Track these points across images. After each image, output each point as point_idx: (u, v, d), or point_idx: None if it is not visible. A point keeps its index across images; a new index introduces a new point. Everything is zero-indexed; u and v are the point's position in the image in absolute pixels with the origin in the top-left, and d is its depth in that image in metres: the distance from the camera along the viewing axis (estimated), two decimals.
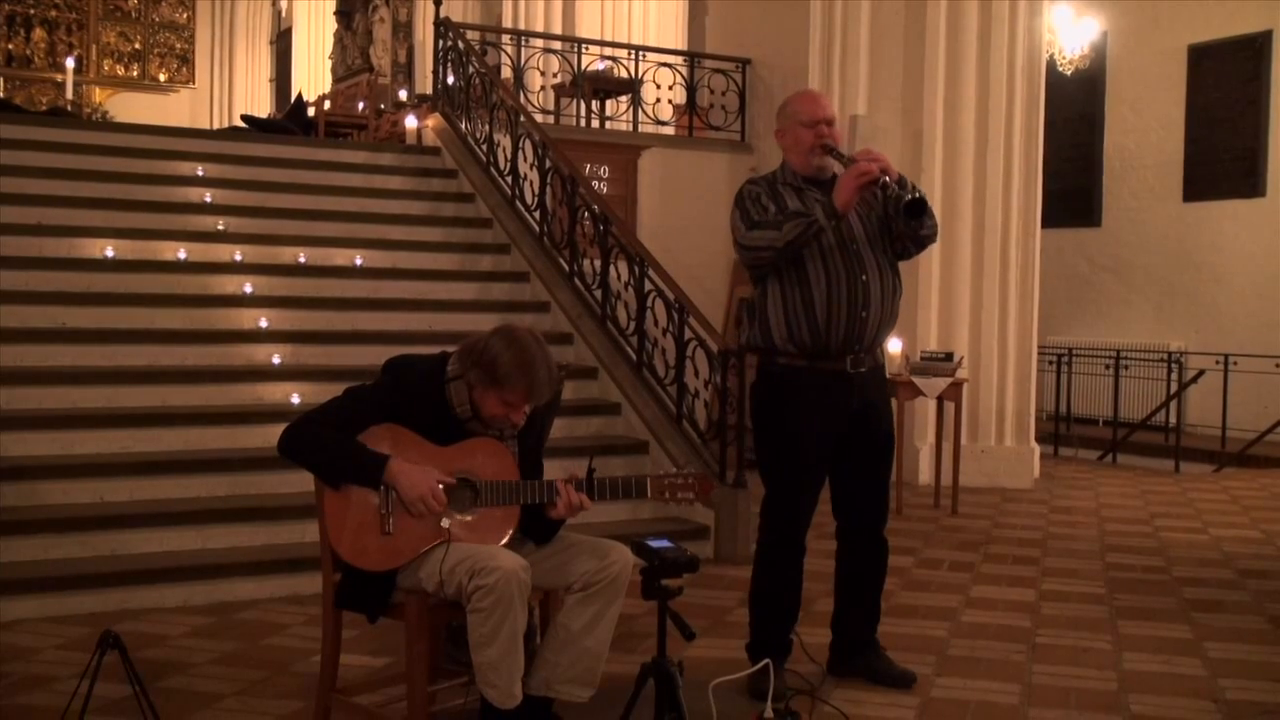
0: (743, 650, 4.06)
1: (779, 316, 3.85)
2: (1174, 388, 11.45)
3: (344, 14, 16.91)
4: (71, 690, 3.34)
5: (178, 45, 20.17)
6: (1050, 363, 11.83)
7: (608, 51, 10.81)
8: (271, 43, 21.51)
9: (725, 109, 10.45)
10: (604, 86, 10.64)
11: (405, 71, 15.49)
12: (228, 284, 7.14)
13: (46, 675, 4.01)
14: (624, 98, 10.64)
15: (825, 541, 4.22)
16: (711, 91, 10.59)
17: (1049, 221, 9.44)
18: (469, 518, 3.25)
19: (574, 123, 10.56)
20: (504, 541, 3.26)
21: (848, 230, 3.85)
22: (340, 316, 7.10)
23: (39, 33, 18.97)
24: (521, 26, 11.72)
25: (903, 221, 3.81)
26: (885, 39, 8.65)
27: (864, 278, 3.82)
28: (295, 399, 6.15)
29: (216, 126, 18.63)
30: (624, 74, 10.63)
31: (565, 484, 3.27)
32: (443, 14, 9.97)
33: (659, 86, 10.53)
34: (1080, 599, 5.33)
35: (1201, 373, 11.14)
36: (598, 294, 7.37)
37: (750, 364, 5.13)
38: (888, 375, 7.27)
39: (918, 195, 3.72)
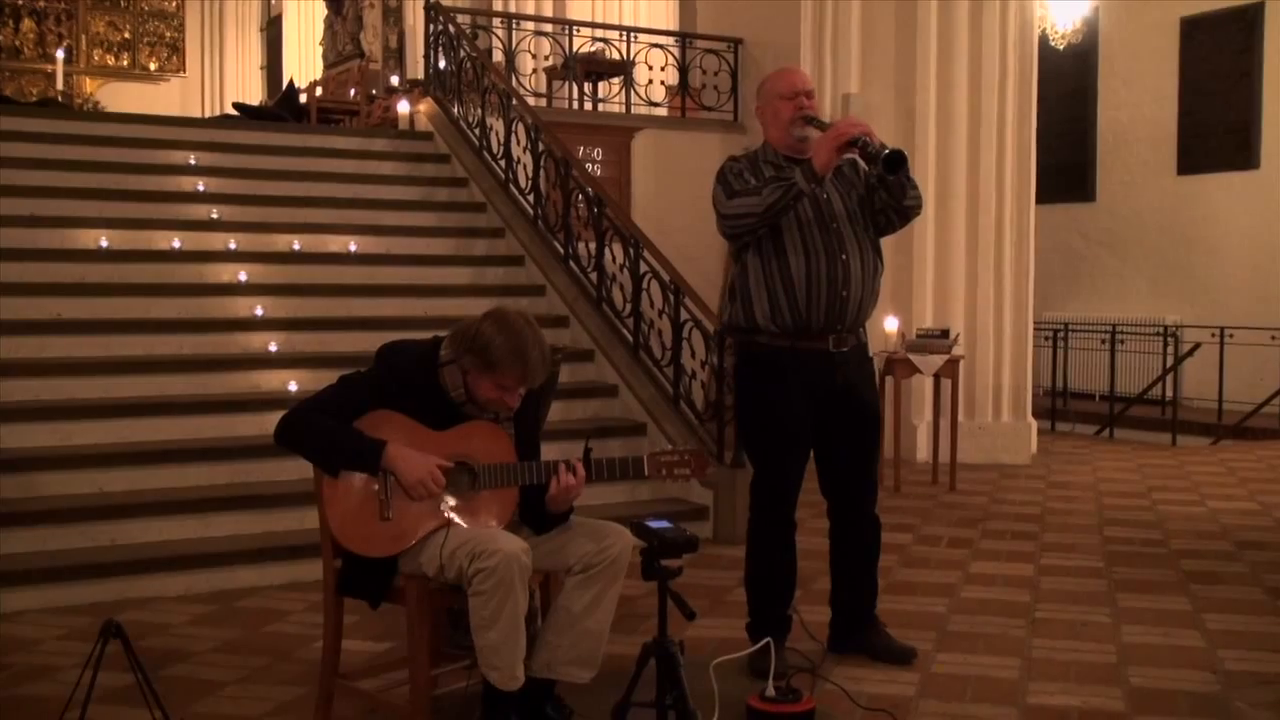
0: (743, 629, 4.08)
1: (760, 296, 3.85)
2: (1170, 361, 11.48)
3: (334, 0, 16.84)
4: (74, 680, 3.34)
5: (167, 34, 20.06)
6: (1046, 338, 11.86)
7: (599, 33, 10.76)
8: (262, 30, 21.40)
9: (718, 89, 10.41)
10: (596, 69, 10.60)
11: (396, 57, 15.41)
12: (222, 272, 7.13)
13: (49, 665, 4.02)
14: (616, 80, 10.60)
15: (823, 520, 4.23)
16: (704, 72, 10.55)
17: (1043, 197, 9.44)
18: (468, 501, 3.26)
19: (566, 105, 10.52)
20: (503, 524, 3.27)
21: (828, 209, 3.85)
22: (335, 303, 7.10)
23: (27, 23, 18.86)
24: (512, 10, 11.68)
25: (880, 181, 3.79)
26: (877, 17, 8.63)
27: (844, 256, 3.81)
28: (292, 386, 6.14)
29: (208, 115, 18.57)
30: (616, 56, 10.59)
31: (563, 464, 3.27)
32: None
33: (651, 68, 10.49)
34: (1079, 573, 5.35)
35: (1197, 346, 11.16)
36: (593, 276, 7.36)
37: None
38: (885, 353, 7.33)
39: (898, 148, 3.70)
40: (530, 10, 11.83)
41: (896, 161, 3.65)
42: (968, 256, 8.53)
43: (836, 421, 3.94)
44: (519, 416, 3.39)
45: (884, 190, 3.85)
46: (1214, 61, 11.96)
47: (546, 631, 3.31)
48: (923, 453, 8.18)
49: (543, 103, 10.35)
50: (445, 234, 8.24)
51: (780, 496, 3.97)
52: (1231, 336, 10.89)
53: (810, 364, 3.85)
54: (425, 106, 9.80)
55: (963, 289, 8.53)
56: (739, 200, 3.79)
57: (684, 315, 6.48)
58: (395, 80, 13.77)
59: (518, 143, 8.34)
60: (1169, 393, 11.35)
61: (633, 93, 10.36)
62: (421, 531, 3.21)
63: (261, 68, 21.22)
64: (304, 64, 18.10)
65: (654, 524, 3.00)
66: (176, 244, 7.29)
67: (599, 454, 3.32)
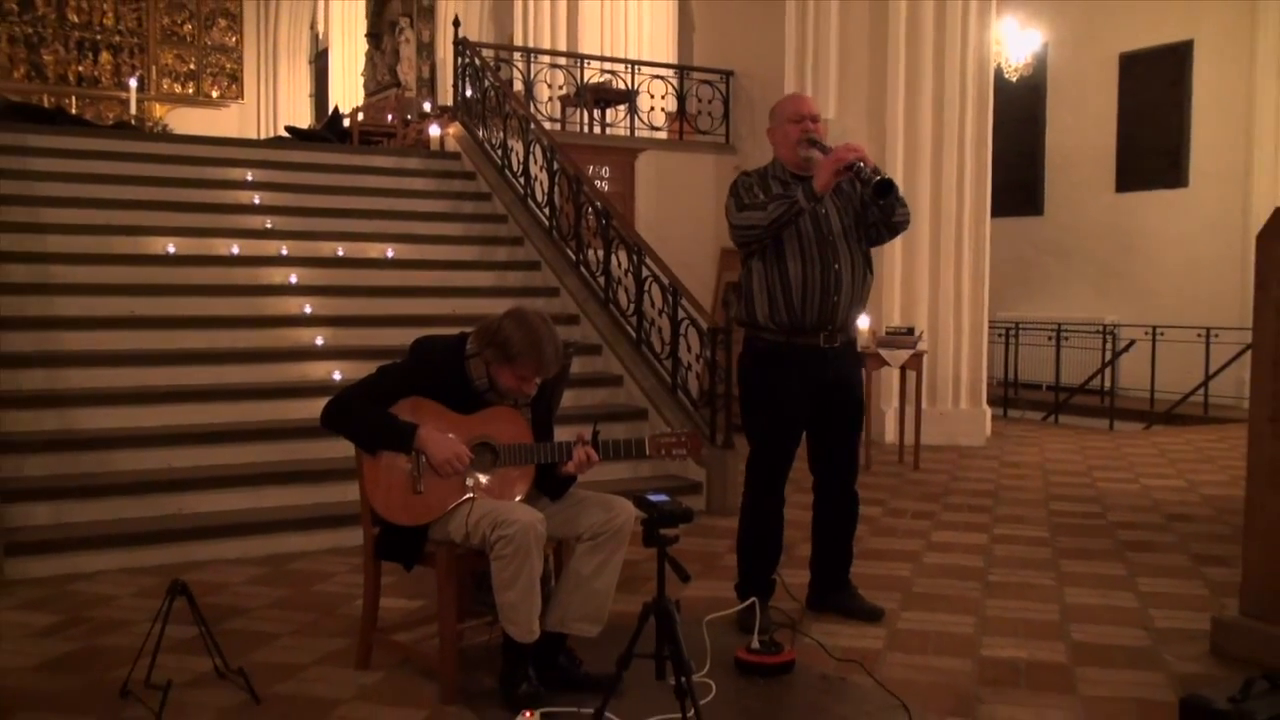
0: (732, 590, 4.07)
1: (762, 297, 3.85)
2: (1108, 356, 11.48)
3: (374, 36, 16.84)
4: (146, 632, 3.36)
5: (228, 65, 20.07)
6: (1000, 335, 11.84)
7: (607, 66, 10.75)
8: (310, 62, 21.39)
9: (711, 115, 10.40)
10: (604, 97, 10.59)
11: (428, 85, 15.41)
12: (275, 275, 7.13)
13: (124, 619, 4.03)
14: (622, 106, 10.59)
15: (804, 495, 4.23)
16: (699, 100, 10.54)
17: (998, 211, 9.42)
18: (490, 477, 3.26)
19: (578, 129, 10.50)
20: (521, 497, 3.27)
21: (825, 224, 3.84)
22: (374, 302, 7.09)
23: (105, 56, 18.89)
24: (531, 44, 11.66)
25: (873, 202, 3.79)
26: (852, 52, 8.61)
27: (836, 266, 3.81)
28: (336, 375, 6.15)
29: (263, 136, 18.55)
30: (622, 85, 10.58)
31: (578, 444, 3.28)
32: (461, 35, 9.93)
33: (653, 96, 10.48)
34: (1027, 542, 5.35)
35: (1133, 343, 11.16)
36: (601, 280, 7.35)
37: (737, 339, 5.14)
38: (860, 349, 7.30)
39: (888, 177, 3.70)
40: (546, 45, 11.80)
41: (885, 189, 3.64)
42: (931, 262, 8.51)
43: (827, 408, 3.93)
44: (535, 403, 3.39)
45: (876, 209, 3.84)
46: (1149, 92, 11.93)
47: (559, 591, 3.32)
48: (891, 435, 8.18)
49: (557, 127, 10.34)
50: (471, 242, 8.24)
51: (775, 472, 3.96)
52: (1163, 334, 10.87)
53: (805, 357, 3.85)
54: (454, 130, 9.79)
55: (926, 291, 8.52)
56: (747, 213, 3.79)
57: (681, 314, 6.47)
58: (427, 106, 13.77)
59: (535, 162, 8.33)
60: (1107, 383, 11.35)
61: (636, 118, 10.35)
62: (449, 503, 3.22)
63: (310, 95, 21.23)
64: (347, 92, 18.11)
65: (654, 497, 3.00)
66: (235, 250, 7.28)
67: (606, 436, 3.33)
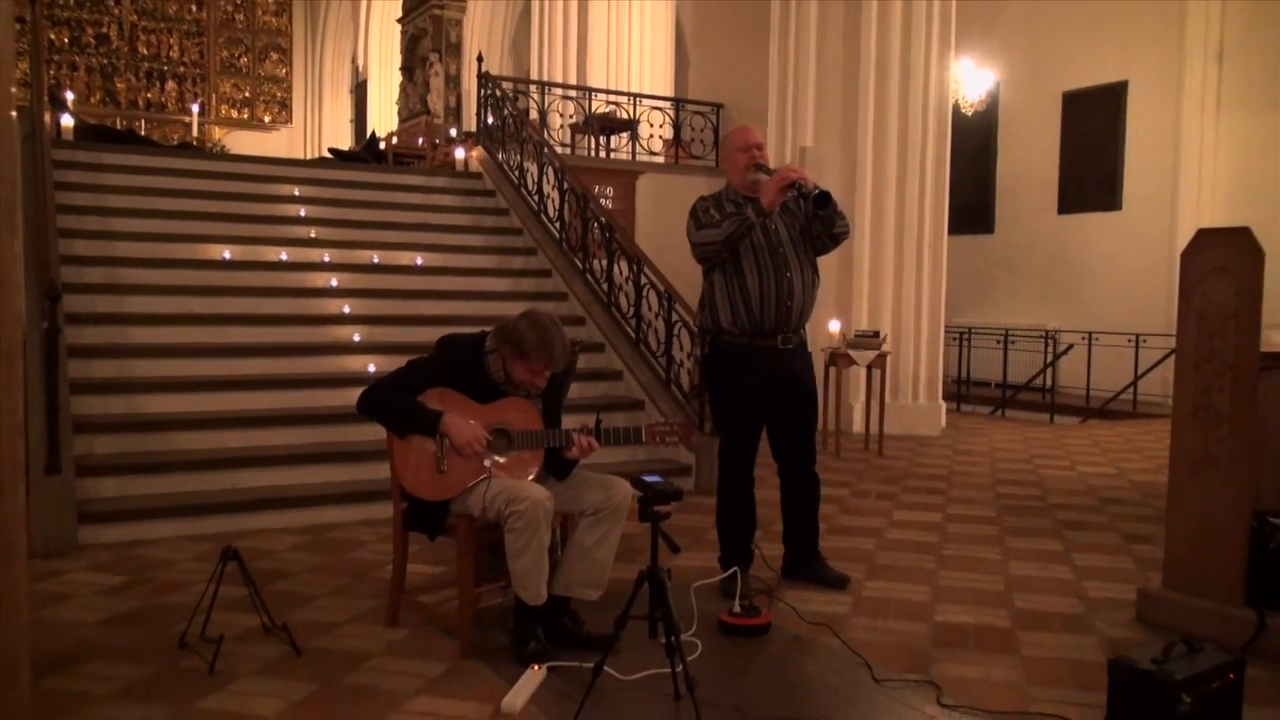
0: (716, 561, 4.07)
1: (724, 305, 3.85)
2: (1049, 358, 11.47)
3: (407, 69, 16.80)
4: (201, 592, 3.36)
5: (278, 94, 20.04)
6: (954, 339, 11.85)
7: (612, 98, 10.74)
8: (351, 91, 21.35)
9: (703, 142, 10.41)
10: (609, 125, 10.59)
11: (455, 113, 15.37)
12: (318, 279, 7.12)
13: (182, 581, 4.03)
14: (625, 134, 10.59)
15: (778, 477, 4.22)
16: (693, 129, 10.55)
17: (954, 229, 9.41)
18: (505, 459, 3.26)
19: (586, 153, 10.50)
20: (532, 477, 3.27)
21: (776, 237, 3.84)
22: (405, 304, 7.09)
23: (171, 85, 18.89)
24: (545, 78, 11.66)
25: (815, 214, 3.79)
26: (827, 88, 8.60)
27: (789, 274, 3.81)
28: (371, 368, 6.14)
29: (309, 157, 18.52)
30: (625, 115, 10.57)
31: (579, 433, 3.28)
32: (484, 69, 9.91)
33: (652, 125, 10.49)
34: (977, 521, 5.34)
35: (1071, 346, 11.16)
36: (604, 286, 7.35)
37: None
38: (830, 349, 7.31)
39: (825, 189, 3.71)
40: (559, 79, 11.80)
41: (823, 200, 3.67)
42: (895, 274, 8.50)
43: (784, 402, 3.93)
44: (546, 394, 3.39)
45: (819, 221, 3.85)
46: (1088, 126, 11.93)
47: (564, 560, 3.31)
48: (858, 426, 8.18)
49: (567, 151, 10.34)
50: (490, 252, 8.23)
51: (741, 458, 3.96)
52: (1097, 339, 10.88)
53: (763, 357, 3.85)
54: (476, 153, 9.78)
55: (891, 299, 8.50)
56: (704, 231, 3.80)
57: (675, 317, 6.47)
58: (454, 132, 13.74)
59: (548, 181, 8.33)
60: (1049, 382, 11.34)
61: (637, 144, 10.34)
62: (469, 482, 3.21)
63: (351, 120, 21.19)
64: (383, 118, 18.08)
65: (649, 478, 3.00)
66: (283, 256, 7.27)
67: (607, 424, 3.33)
